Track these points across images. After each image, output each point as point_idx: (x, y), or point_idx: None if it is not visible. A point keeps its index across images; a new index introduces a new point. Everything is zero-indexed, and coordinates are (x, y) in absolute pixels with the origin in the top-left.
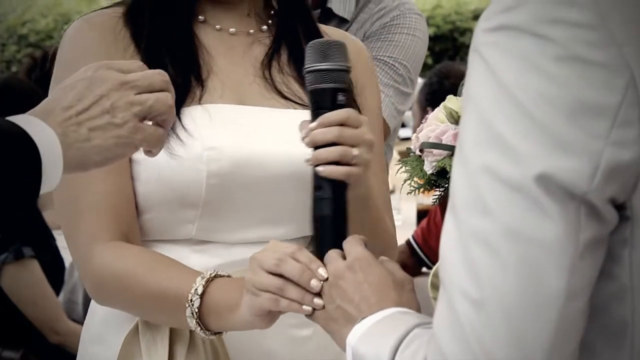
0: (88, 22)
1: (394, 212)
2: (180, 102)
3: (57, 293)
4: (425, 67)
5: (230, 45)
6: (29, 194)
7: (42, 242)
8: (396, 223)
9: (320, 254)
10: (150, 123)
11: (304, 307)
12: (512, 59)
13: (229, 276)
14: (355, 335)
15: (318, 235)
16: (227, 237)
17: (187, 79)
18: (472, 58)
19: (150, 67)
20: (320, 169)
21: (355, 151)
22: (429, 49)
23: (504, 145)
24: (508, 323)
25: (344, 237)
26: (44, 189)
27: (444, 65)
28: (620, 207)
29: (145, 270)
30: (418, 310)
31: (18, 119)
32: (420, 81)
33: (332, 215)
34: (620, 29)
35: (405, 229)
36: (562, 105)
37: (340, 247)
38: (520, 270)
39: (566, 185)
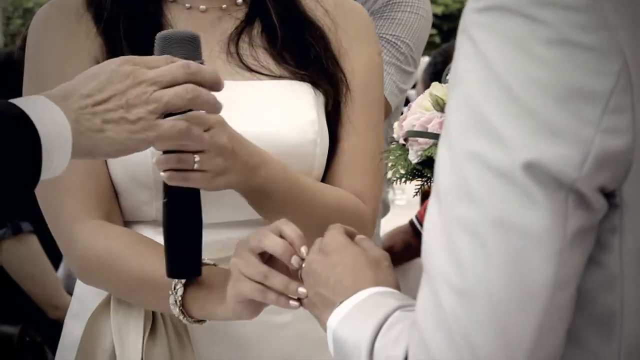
0: (54, 7)
1: (398, 192)
2: None
3: (56, 268)
4: (433, 46)
5: (199, 23)
6: (28, 177)
7: (40, 217)
8: (400, 203)
9: (167, 262)
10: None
11: (291, 302)
12: (501, 41)
13: (215, 265)
14: (335, 320)
15: (165, 244)
16: None
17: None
18: (460, 39)
19: (108, 48)
20: (161, 174)
21: (197, 157)
22: (437, 27)
23: (491, 131)
24: (493, 314)
25: (194, 245)
26: (48, 173)
27: (450, 44)
28: (609, 195)
29: (130, 253)
30: (396, 286)
31: (28, 101)
32: (426, 60)
33: (175, 222)
34: (613, 13)
35: (409, 208)
36: (552, 90)
37: (189, 255)
38: (506, 260)
39: (555, 173)
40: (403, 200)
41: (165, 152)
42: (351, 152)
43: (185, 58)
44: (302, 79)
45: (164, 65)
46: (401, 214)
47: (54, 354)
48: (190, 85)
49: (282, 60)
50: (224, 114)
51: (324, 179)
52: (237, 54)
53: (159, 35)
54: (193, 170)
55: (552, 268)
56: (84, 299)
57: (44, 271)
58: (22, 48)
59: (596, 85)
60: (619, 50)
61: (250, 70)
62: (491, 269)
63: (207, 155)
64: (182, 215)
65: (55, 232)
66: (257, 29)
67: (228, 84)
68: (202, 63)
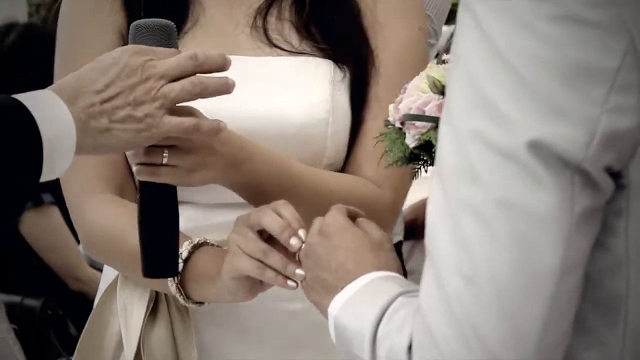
0: None
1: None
2: None
3: (78, 240)
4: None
5: None
6: (26, 177)
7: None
8: (423, 174)
9: (142, 261)
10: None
11: (289, 282)
12: (504, 18)
13: (219, 246)
14: (336, 306)
15: (139, 241)
16: (200, 197)
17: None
18: (462, 15)
19: (129, 21)
20: (133, 169)
21: (165, 152)
22: None
23: (494, 111)
24: (499, 299)
25: (169, 243)
26: (49, 174)
27: None
28: (616, 176)
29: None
30: (398, 270)
31: (37, 99)
32: (450, 29)
33: (148, 220)
34: None
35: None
36: (556, 68)
37: (165, 253)
38: (513, 243)
39: (560, 152)
40: (427, 172)
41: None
42: (375, 134)
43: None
44: (323, 55)
45: (172, 57)
46: (424, 188)
47: (75, 326)
48: (197, 78)
49: (307, 35)
50: (237, 90)
51: (345, 162)
52: (263, 28)
53: (132, 25)
54: (162, 165)
55: (560, 251)
56: (108, 274)
57: (65, 243)
58: (53, 19)
59: (602, 63)
60: (625, 28)
61: (272, 45)
62: (497, 252)
63: (177, 151)
64: (154, 212)
65: (67, 202)
66: (287, 1)
67: (244, 60)
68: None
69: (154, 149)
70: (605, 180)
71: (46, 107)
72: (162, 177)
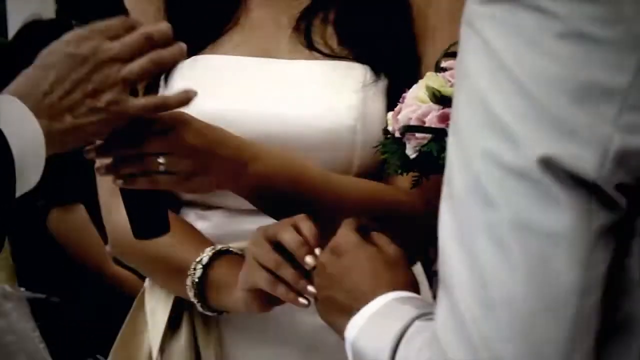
0: None
1: None
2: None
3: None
4: None
5: None
6: (1, 199)
7: (89, 185)
8: None
9: (130, 223)
10: None
11: (300, 299)
12: (510, 35)
13: (242, 255)
14: (354, 329)
15: (124, 205)
16: (232, 202)
17: (204, 30)
18: (465, 32)
19: (172, 15)
20: (117, 182)
21: (161, 159)
22: None
23: (503, 130)
24: (519, 325)
25: (153, 203)
26: (23, 188)
27: None
28: (629, 195)
29: None
30: (415, 286)
31: (3, 110)
32: None
33: (135, 232)
34: (630, 4)
35: None
36: (566, 86)
37: (151, 214)
38: (529, 265)
39: (573, 170)
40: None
41: (116, 158)
42: None
43: (110, 15)
44: (361, 59)
45: (122, 28)
46: None
47: (100, 324)
48: (156, 55)
49: (346, 39)
50: (263, 94)
51: (381, 171)
52: (305, 30)
53: None
54: (159, 172)
55: (579, 271)
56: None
57: (91, 239)
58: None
59: (613, 80)
60: (637, 44)
61: (311, 48)
62: (513, 275)
63: (172, 157)
64: (133, 220)
65: (100, 201)
66: (334, 4)
67: (277, 63)
68: (127, 15)
69: (148, 157)
70: (619, 199)
71: (13, 117)
72: (161, 185)
